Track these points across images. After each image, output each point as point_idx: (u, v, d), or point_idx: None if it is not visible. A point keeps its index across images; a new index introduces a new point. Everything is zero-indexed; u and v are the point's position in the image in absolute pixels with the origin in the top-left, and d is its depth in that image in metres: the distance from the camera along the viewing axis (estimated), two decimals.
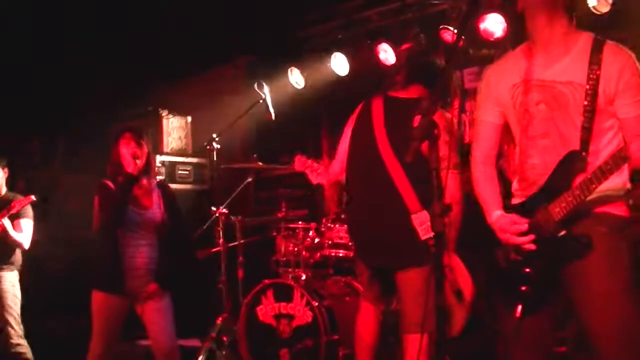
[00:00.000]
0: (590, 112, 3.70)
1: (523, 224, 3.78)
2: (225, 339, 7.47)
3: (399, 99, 5.23)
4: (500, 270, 3.96)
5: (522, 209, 3.86)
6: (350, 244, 6.85)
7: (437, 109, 3.84)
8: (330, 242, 7.06)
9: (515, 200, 4.03)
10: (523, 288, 3.81)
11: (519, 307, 3.81)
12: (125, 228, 5.82)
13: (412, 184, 4.94)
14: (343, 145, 5.47)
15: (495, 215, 3.92)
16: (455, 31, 3.51)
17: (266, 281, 6.95)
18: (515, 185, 4.07)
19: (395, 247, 5.07)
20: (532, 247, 3.76)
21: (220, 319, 7.58)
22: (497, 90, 4.01)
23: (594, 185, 3.55)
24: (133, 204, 5.88)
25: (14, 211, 6.74)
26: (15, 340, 7.01)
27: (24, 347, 7.06)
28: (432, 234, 4.66)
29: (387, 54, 8.47)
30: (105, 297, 5.84)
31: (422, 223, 4.88)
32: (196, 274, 8.11)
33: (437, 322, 3.43)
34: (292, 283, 6.83)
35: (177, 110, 9.77)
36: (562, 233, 3.71)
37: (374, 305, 5.52)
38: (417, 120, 3.43)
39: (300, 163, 5.83)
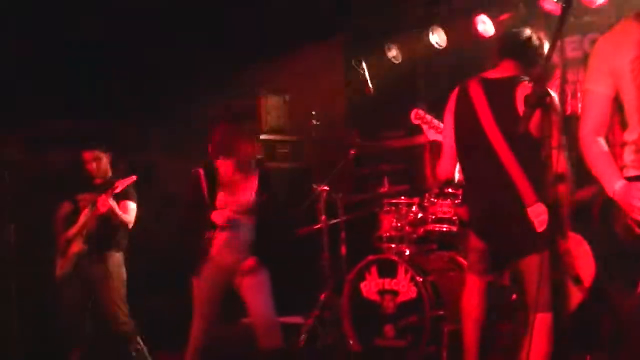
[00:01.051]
0: None
1: None
2: (328, 315, 7.51)
3: (496, 81, 5.09)
4: (620, 244, 3.84)
5: None
6: (453, 218, 6.79)
7: (549, 77, 3.76)
8: (433, 217, 7.00)
9: (630, 172, 3.90)
10: None
11: None
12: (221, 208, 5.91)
13: (526, 173, 4.86)
14: (448, 140, 5.36)
15: (619, 185, 3.80)
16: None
17: (370, 257, 6.93)
18: (631, 156, 3.94)
19: (517, 236, 4.99)
20: None
21: (323, 295, 7.63)
22: (612, 62, 3.88)
23: None
24: (228, 190, 5.93)
25: (117, 191, 6.84)
26: (122, 319, 7.13)
27: (130, 326, 7.18)
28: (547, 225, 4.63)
29: (485, 25, 8.30)
30: (208, 272, 5.93)
31: (538, 215, 4.81)
32: (299, 251, 8.13)
33: (554, 298, 3.36)
34: (396, 259, 6.80)
35: (275, 89, 9.79)
36: None
37: (481, 278, 5.46)
38: (528, 87, 3.35)
39: (417, 116, 5.78)
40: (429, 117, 5.75)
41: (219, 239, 5.91)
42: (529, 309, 5.02)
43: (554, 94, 4.70)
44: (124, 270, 7.31)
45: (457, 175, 5.58)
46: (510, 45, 5.21)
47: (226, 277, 5.95)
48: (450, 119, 5.28)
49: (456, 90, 5.28)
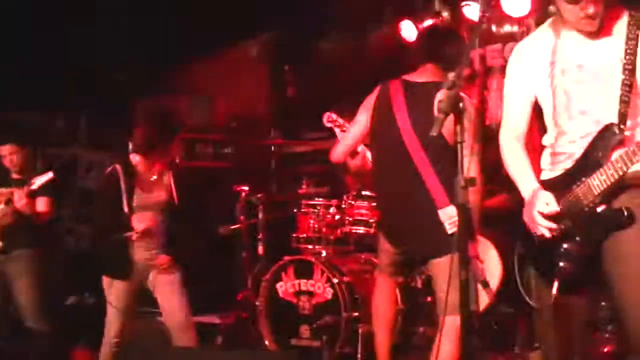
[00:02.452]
0: (629, 87, 3.67)
1: (553, 206, 3.74)
2: (245, 315, 7.51)
3: (418, 85, 5.16)
4: (537, 246, 3.92)
5: (558, 183, 3.82)
6: (370, 221, 6.83)
7: (463, 83, 3.82)
8: (351, 219, 7.03)
9: (546, 175, 3.99)
10: (561, 264, 3.78)
11: (556, 284, 3.78)
12: (135, 210, 5.87)
13: (439, 177, 4.93)
14: (355, 129, 5.41)
15: (532, 189, 3.88)
16: (479, 8, 3.49)
17: (287, 258, 6.94)
18: (547, 159, 4.03)
19: (427, 238, 5.06)
20: (548, 232, 3.73)
21: (240, 295, 7.63)
22: (529, 68, 3.97)
23: (637, 157, 3.51)
24: (142, 187, 5.92)
25: (34, 187, 6.73)
26: (38, 316, 7.02)
27: (43, 324, 7.07)
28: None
29: (409, 31, 8.39)
30: (113, 282, 5.93)
31: (449, 218, 4.88)
32: (217, 251, 8.13)
33: (461, 299, 3.42)
34: (313, 260, 6.82)
35: (198, 88, 9.76)
36: (602, 207, 3.68)
37: (392, 279, 5.53)
38: (442, 93, 3.40)
39: (329, 119, 5.83)
40: (341, 120, 5.81)
41: (136, 238, 5.89)
42: (438, 311, 5.10)
43: (467, 100, 4.79)
44: (41, 267, 7.20)
45: (351, 164, 5.65)
46: (430, 49, 5.28)
47: (140, 275, 5.92)
48: (366, 115, 5.32)
49: (377, 90, 5.32)
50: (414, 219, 5.07)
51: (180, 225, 6.00)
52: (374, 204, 6.94)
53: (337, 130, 5.85)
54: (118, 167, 5.93)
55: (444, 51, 5.20)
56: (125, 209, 5.84)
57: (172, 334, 5.97)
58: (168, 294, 5.94)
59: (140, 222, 5.80)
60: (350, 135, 5.45)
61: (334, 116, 5.86)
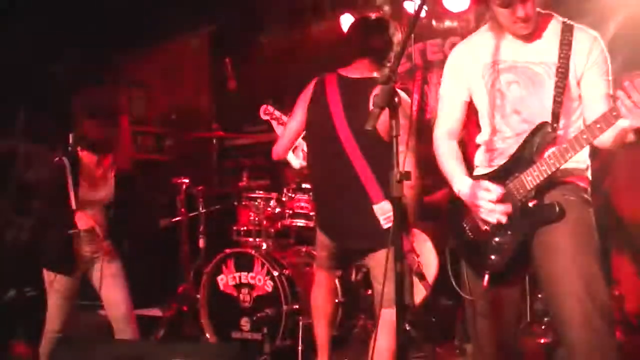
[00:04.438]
0: (561, 88, 3.81)
1: (496, 190, 3.81)
2: (186, 308, 7.51)
3: (353, 80, 5.17)
4: (469, 240, 3.99)
5: (492, 179, 3.88)
6: (310, 214, 6.86)
7: (397, 77, 3.86)
8: (291, 211, 7.03)
9: (480, 171, 4.07)
10: (492, 257, 3.85)
11: (487, 277, 3.85)
12: (78, 204, 5.80)
13: (372, 170, 4.97)
14: (293, 124, 5.41)
15: (465, 183, 3.94)
16: (418, 2, 3.54)
17: (227, 251, 6.93)
18: (480, 156, 4.11)
19: (363, 232, 5.08)
20: (503, 217, 3.79)
21: (181, 288, 7.63)
22: (466, 69, 4.06)
23: (569, 154, 3.62)
24: (88, 182, 5.86)
25: None
26: None
27: None
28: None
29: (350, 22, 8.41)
30: (55, 276, 5.85)
31: (384, 213, 4.92)
32: (158, 244, 8.10)
33: (396, 291, 3.46)
34: (253, 252, 6.83)
35: (139, 80, 9.71)
36: (534, 202, 3.76)
37: (330, 273, 5.56)
38: (377, 88, 3.44)
39: (265, 112, 5.84)
40: (277, 113, 5.84)
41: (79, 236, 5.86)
42: (375, 304, 5.15)
43: (403, 95, 4.83)
44: None
45: (293, 160, 5.68)
46: (360, 42, 5.30)
47: (83, 268, 5.89)
48: (303, 109, 5.33)
49: (312, 84, 5.33)
50: (349, 213, 5.10)
51: (120, 217, 5.97)
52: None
53: (273, 122, 5.88)
54: (65, 160, 5.85)
55: (374, 44, 5.21)
56: (73, 204, 5.78)
57: (114, 326, 5.95)
58: (111, 286, 5.91)
59: (83, 220, 5.75)
60: (288, 131, 5.46)
61: (271, 109, 5.90)
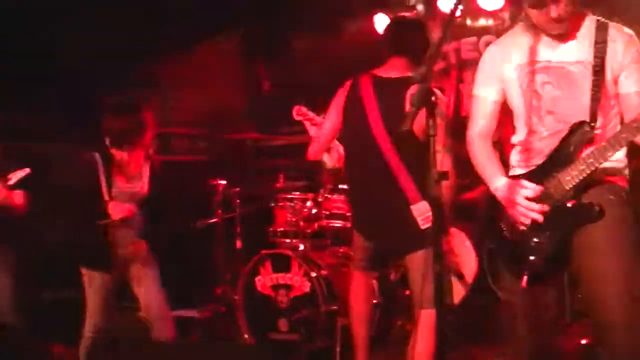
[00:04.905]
0: (598, 87, 3.78)
1: (533, 189, 3.78)
2: (223, 309, 7.52)
3: (387, 80, 5.16)
4: (506, 240, 3.96)
5: (529, 179, 3.86)
6: (347, 214, 6.84)
7: (434, 76, 3.84)
8: (327, 212, 7.03)
9: (517, 171, 4.04)
10: (531, 258, 3.82)
11: (525, 277, 3.83)
12: (117, 198, 5.84)
13: (410, 172, 4.95)
14: (328, 125, 5.42)
15: (502, 182, 3.93)
16: (453, 1, 3.53)
17: (264, 252, 6.93)
18: (516, 156, 4.09)
19: (400, 234, 5.09)
20: (539, 216, 3.76)
21: (218, 289, 7.64)
22: (500, 69, 4.04)
23: (609, 154, 3.61)
24: (121, 178, 5.91)
25: (11, 183, 6.71)
26: (10, 312, 7.00)
27: (20, 319, 7.05)
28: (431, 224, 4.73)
29: (383, 24, 8.38)
30: (93, 274, 5.89)
31: (421, 214, 4.91)
32: (195, 245, 8.12)
33: (436, 292, 3.44)
34: (290, 253, 6.83)
35: (173, 81, 9.73)
36: (572, 202, 3.73)
37: (367, 274, 5.55)
38: (414, 87, 3.43)
39: (299, 113, 5.84)
40: (311, 114, 5.82)
41: (113, 229, 5.90)
42: (414, 305, 5.12)
43: (439, 94, 4.81)
44: (17, 261, 7.18)
45: (328, 161, 5.67)
46: (396, 42, 5.28)
47: (120, 268, 5.92)
48: (337, 110, 5.33)
49: (347, 85, 5.32)
50: (386, 215, 5.09)
51: (158, 218, 6.01)
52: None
53: (307, 123, 5.87)
54: (97, 155, 5.91)
55: (410, 44, 5.20)
56: (106, 198, 5.83)
57: (152, 327, 5.98)
58: (147, 287, 5.94)
59: (116, 210, 5.78)
60: (323, 132, 5.45)
61: (304, 110, 5.88)
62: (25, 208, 6.87)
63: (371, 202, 5.20)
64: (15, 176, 6.57)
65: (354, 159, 5.32)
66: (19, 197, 6.82)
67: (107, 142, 5.92)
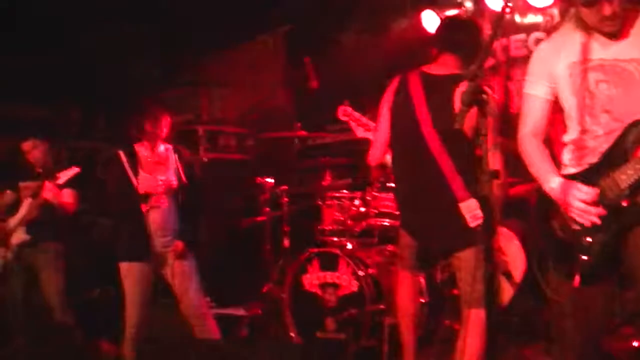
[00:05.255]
0: None
1: (589, 191, 3.73)
2: (270, 307, 7.52)
3: (436, 77, 5.12)
4: (558, 239, 3.91)
5: (582, 177, 3.81)
6: (396, 213, 6.81)
7: (484, 74, 3.80)
8: (375, 211, 7.02)
9: (569, 170, 3.99)
10: (583, 257, 3.77)
11: (577, 277, 3.78)
12: (143, 190, 6.00)
13: (459, 170, 4.91)
14: (382, 127, 5.38)
15: (556, 181, 3.88)
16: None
17: (312, 250, 6.92)
18: (568, 155, 4.03)
19: (448, 232, 5.06)
20: (596, 217, 3.71)
21: (266, 287, 7.64)
22: (552, 67, 3.98)
23: None
24: (148, 170, 6.01)
25: (60, 182, 6.78)
26: (61, 309, 7.07)
27: (69, 318, 7.12)
28: (480, 221, 4.69)
29: (431, 21, 8.34)
30: (131, 266, 5.99)
31: (470, 211, 4.87)
32: (242, 243, 8.13)
33: (486, 292, 3.41)
34: (338, 252, 6.80)
35: (219, 80, 9.77)
36: (627, 201, 3.67)
37: (413, 274, 5.52)
38: (464, 85, 3.39)
39: (344, 113, 5.83)
40: (357, 114, 5.80)
41: (146, 221, 5.97)
42: (463, 304, 5.09)
43: (489, 92, 4.76)
44: (66, 259, 7.25)
45: (390, 161, 5.65)
46: (448, 39, 5.25)
47: (156, 263, 5.97)
48: (387, 109, 5.30)
49: (395, 82, 5.29)
50: (434, 213, 5.06)
51: (195, 214, 6.05)
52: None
53: (352, 124, 5.84)
54: (120, 152, 6.09)
55: (462, 41, 5.17)
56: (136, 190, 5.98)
57: (190, 323, 6.02)
58: (185, 283, 6.00)
59: (146, 182, 5.90)
60: (380, 133, 5.41)
61: (349, 110, 5.87)
62: (75, 206, 6.96)
63: (419, 200, 5.17)
64: (64, 175, 6.66)
65: (402, 156, 5.29)
66: (68, 196, 6.92)
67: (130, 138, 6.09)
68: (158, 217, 5.99)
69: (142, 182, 5.98)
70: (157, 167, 6.09)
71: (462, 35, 5.19)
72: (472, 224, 4.83)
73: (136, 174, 6.02)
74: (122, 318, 6.09)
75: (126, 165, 6.03)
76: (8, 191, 7.16)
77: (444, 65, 5.13)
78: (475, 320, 4.77)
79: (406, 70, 5.29)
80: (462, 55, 5.10)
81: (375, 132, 5.50)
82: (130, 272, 6.01)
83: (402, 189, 5.44)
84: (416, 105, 5.07)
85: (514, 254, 5.78)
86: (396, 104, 5.24)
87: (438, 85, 5.03)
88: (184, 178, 6.12)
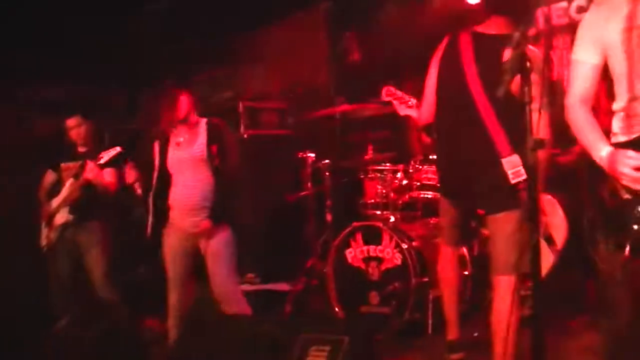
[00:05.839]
0: None
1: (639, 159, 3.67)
2: (314, 282, 7.52)
3: (487, 36, 5.08)
4: (608, 209, 3.85)
5: (631, 146, 3.75)
6: (438, 185, 6.78)
7: (529, 42, 3.75)
8: (418, 183, 7.00)
9: (619, 139, 3.92)
10: (635, 227, 3.70)
11: (628, 247, 3.72)
12: (173, 169, 6.04)
13: (504, 126, 4.86)
14: (430, 86, 5.36)
15: (606, 150, 3.81)
16: None
17: (355, 224, 6.91)
18: (618, 123, 3.97)
19: (486, 191, 5.01)
20: None
21: (309, 262, 7.65)
22: (601, 32, 3.90)
23: None
24: (175, 145, 6.03)
25: (102, 162, 6.81)
26: (107, 287, 7.13)
27: (115, 294, 7.17)
28: (522, 178, 4.64)
29: None
30: (170, 239, 6.05)
31: (512, 167, 4.81)
32: (284, 219, 8.14)
33: (531, 265, 3.37)
34: (381, 225, 6.79)
35: (259, 56, 9.76)
36: None
37: (454, 248, 5.49)
38: (508, 53, 3.35)
39: (388, 93, 5.80)
40: (399, 93, 5.77)
41: (175, 201, 6.02)
42: (492, 270, 5.05)
43: (537, 54, 4.69)
44: (108, 238, 7.30)
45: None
46: (499, 1, 5.19)
47: (188, 240, 5.99)
48: (434, 67, 5.28)
49: (445, 40, 5.28)
50: (475, 170, 5.01)
51: (225, 189, 6.05)
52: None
53: (396, 102, 5.81)
54: (153, 131, 6.19)
55: (511, 3, 5.12)
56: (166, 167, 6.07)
57: (217, 300, 6.04)
58: (213, 260, 6.00)
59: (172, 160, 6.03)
60: (428, 92, 5.38)
61: (393, 89, 5.83)
62: (117, 186, 7.01)
63: (459, 157, 5.13)
64: (107, 154, 6.71)
65: (446, 111, 5.25)
66: (110, 175, 6.96)
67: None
68: (186, 195, 6.01)
69: (170, 160, 6.02)
70: (187, 145, 6.08)
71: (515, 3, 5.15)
72: (514, 180, 4.77)
73: (165, 151, 6.08)
74: (166, 296, 6.13)
75: (156, 146, 6.10)
76: (50, 171, 7.22)
77: (495, 26, 5.08)
78: (505, 287, 4.78)
79: (457, 30, 5.26)
80: (512, 17, 5.05)
81: (425, 90, 5.46)
82: (164, 251, 6.07)
83: (443, 146, 5.39)
84: (464, 61, 5.05)
85: (557, 220, 5.72)
86: (445, 61, 5.23)
87: (488, 44, 4.99)
88: (213, 152, 6.09)
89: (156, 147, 6.11)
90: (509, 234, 4.88)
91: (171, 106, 6.06)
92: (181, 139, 6.02)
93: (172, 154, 6.04)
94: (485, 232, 5.71)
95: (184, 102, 6.05)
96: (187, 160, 5.99)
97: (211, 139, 6.04)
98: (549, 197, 5.52)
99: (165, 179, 6.04)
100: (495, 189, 4.92)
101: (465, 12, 7.63)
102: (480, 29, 5.16)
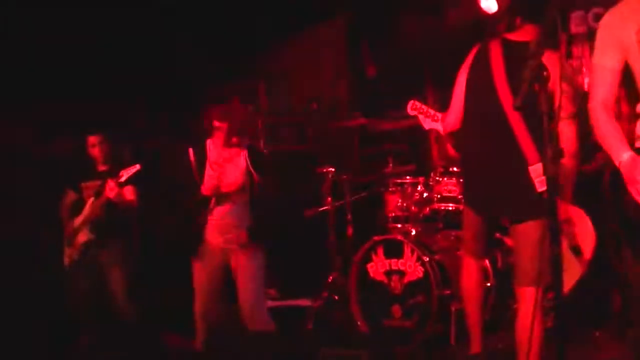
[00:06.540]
0: None
1: None
2: (336, 297, 7.50)
3: (517, 44, 5.02)
4: (630, 218, 3.82)
5: None
6: (459, 197, 6.74)
7: (545, 51, 3.73)
8: (439, 195, 6.97)
9: None
10: None
11: None
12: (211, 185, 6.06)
13: (531, 134, 4.84)
14: (458, 94, 5.34)
15: (626, 157, 3.77)
16: None
17: (376, 238, 6.89)
18: None
19: (513, 198, 4.99)
20: None
21: (331, 277, 7.63)
22: (620, 36, 3.89)
23: None
24: (217, 168, 6.05)
25: (122, 180, 6.83)
26: (129, 305, 7.12)
27: (137, 312, 7.16)
28: None
29: (488, 2, 8.22)
30: (202, 253, 6.08)
31: (539, 175, 4.78)
32: (306, 234, 8.12)
33: (553, 276, 3.34)
34: (402, 239, 6.76)
35: (277, 71, 9.77)
36: None
37: (477, 259, 5.47)
38: (547, 57, 3.35)
39: (413, 107, 5.79)
40: (424, 107, 5.77)
41: (211, 219, 6.03)
42: (515, 281, 5.03)
43: (563, 62, 4.66)
44: (130, 257, 7.31)
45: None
46: (532, 9, 5.17)
47: (220, 257, 6.00)
48: (463, 75, 5.26)
49: (476, 48, 5.26)
50: (502, 178, 4.99)
51: (262, 209, 6.04)
52: (462, 180, 6.88)
53: (421, 117, 5.80)
54: (190, 150, 6.16)
55: (535, 13, 5.11)
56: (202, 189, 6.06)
57: (243, 316, 6.03)
58: (242, 276, 6.02)
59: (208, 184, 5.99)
60: (456, 100, 5.37)
61: (418, 104, 5.82)
62: (137, 204, 7.02)
63: (486, 163, 5.10)
64: (127, 173, 6.72)
65: (474, 119, 5.22)
66: (130, 193, 6.98)
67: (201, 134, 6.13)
68: (222, 214, 6.01)
69: (206, 182, 6.02)
70: (226, 166, 6.08)
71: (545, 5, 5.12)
72: (540, 188, 4.73)
73: (202, 172, 6.06)
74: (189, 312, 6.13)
75: (193, 163, 6.08)
76: (70, 191, 7.23)
77: (527, 34, 5.06)
78: (529, 298, 4.75)
79: (487, 39, 5.25)
80: (542, 25, 5.03)
81: (452, 98, 5.44)
82: (195, 270, 6.08)
83: (469, 154, 5.36)
84: (494, 68, 5.03)
85: (584, 229, 5.66)
86: (474, 68, 5.21)
87: (518, 51, 4.95)
88: (255, 176, 6.10)
89: (192, 163, 6.11)
90: (534, 243, 4.85)
91: (224, 118, 6.07)
92: (220, 158, 6.04)
93: (210, 175, 6.07)
94: (510, 242, 5.68)
95: (237, 114, 6.10)
96: (226, 184, 6.02)
97: (251, 163, 6.06)
98: (577, 208, 5.47)
99: (197, 198, 6.04)
100: (521, 196, 4.90)
101: (486, 22, 7.65)
102: (511, 36, 5.14)
